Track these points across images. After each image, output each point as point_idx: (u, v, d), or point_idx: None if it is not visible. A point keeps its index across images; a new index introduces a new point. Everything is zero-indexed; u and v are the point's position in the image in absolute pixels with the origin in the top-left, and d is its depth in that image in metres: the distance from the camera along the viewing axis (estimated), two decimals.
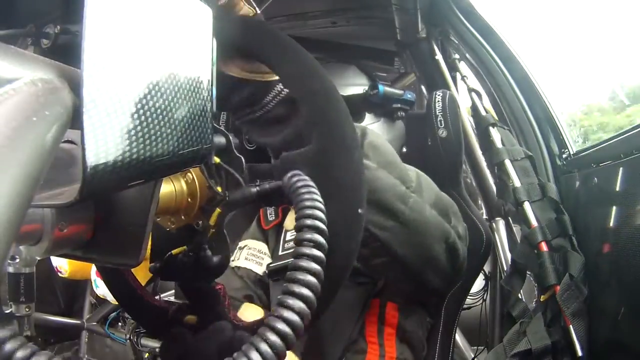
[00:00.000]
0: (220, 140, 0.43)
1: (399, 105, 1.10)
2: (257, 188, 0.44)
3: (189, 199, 0.47)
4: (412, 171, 0.65)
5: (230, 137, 0.43)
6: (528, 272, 0.92)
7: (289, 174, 0.41)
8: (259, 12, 0.50)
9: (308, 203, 0.36)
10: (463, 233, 0.73)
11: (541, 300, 0.83)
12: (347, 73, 1.11)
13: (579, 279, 0.77)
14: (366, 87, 1.08)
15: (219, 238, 0.49)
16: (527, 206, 0.90)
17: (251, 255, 0.95)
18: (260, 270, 0.92)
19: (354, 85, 1.08)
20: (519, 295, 0.90)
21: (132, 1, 0.26)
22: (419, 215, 0.60)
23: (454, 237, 0.68)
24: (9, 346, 0.27)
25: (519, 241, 0.95)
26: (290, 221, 0.92)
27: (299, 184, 0.38)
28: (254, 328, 0.47)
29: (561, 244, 0.83)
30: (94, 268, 1.72)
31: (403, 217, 0.58)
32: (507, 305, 0.87)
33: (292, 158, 0.47)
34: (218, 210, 0.45)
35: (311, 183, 0.39)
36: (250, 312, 0.79)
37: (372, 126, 1.07)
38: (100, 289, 1.77)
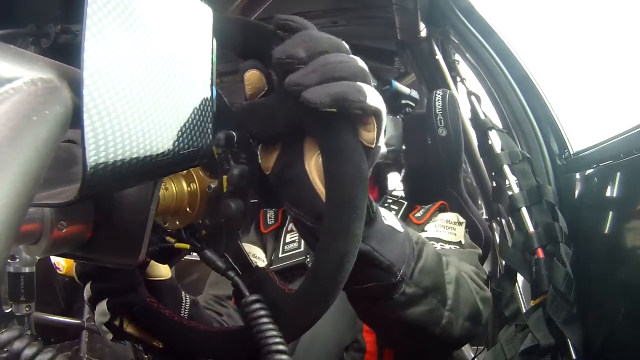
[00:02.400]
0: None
1: (407, 102, 1.11)
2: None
3: (188, 208, 0.47)
4: (451, 283, 0.59)
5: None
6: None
7: (251, 298, 0.43)
8: None
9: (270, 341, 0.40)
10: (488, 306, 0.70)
11: (532, 304, 0.84)
12: None
13: (564, 290, 0.77)
14: (372, 83, 1.08)
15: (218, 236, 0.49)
16: (524, 212, 0.90)
17: None
18: None
19: None
20: (510, 296, 0.90)
21: (132, 1, 0.26)
22: (447, 334, 0.58)
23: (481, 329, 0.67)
24: (17, 344, 0.31)
25: (510, 244, 0.95)
26: None
27: (256, 314, 0.42)
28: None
29: (552, 251, 0.83)
30: None
31: (432, 333, 0.57)
32: (499, 306, 0.87)
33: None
34: (225, 177, 0.46)
35: (265, 315, 0.42)
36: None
37: None
38: None
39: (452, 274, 0.60)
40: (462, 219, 0.90)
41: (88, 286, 0.57)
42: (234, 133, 0.45)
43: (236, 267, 0.48)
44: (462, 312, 0.59)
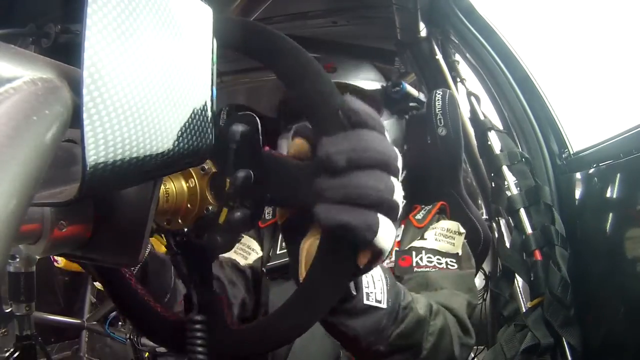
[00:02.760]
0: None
1: (415, 104, 1.12)
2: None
3: (189, 204, 0.47)
4: (433, 335, 0.63)
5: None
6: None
7: (197, 318, 0.47)
8: None
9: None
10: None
11: (529, 305, 0.84)
12: (362, 69, 1.13)
13: (560, 294, 0.77)
14: (380, 83, 1.09)
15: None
16: (522, 213, 0.90)
17: (240, 250, 0.96)
18: (243, 262, 0.94)
19: (369, 80, 1.10)
20: (509, 296, 0.91)
21: (133, 1, 0.26)
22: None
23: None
24: None
25: (507, 245, 0.96)
26: None
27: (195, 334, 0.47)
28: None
29: (548, 253, 0.84)
30: None
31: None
32: (498, 306, 0.87)
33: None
34: (225, 210, 0.45)
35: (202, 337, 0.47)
36: None
37: (387, 122, 1.09)
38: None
39: (438, 324, 0.64)
40: (462, 230, 0.90)
41: None
42: (252, 175, 0.44)
43: (197, 281, 0.50)
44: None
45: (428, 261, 0.84)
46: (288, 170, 0.43)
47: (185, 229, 0.48)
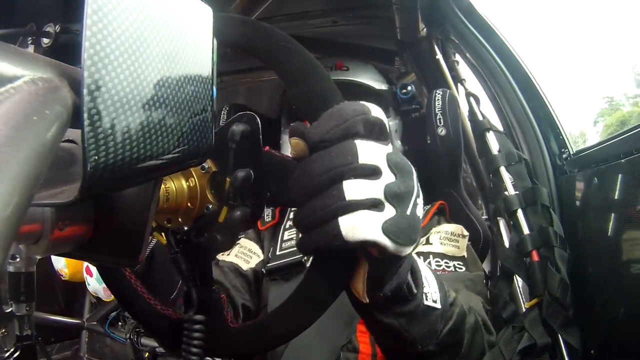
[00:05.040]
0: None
1: (418, 106, 1.13)
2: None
3: (189, 203, 0.47)
4: (468, 332, 0.62)
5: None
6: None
7: (196, 318, 0.48)
8: None
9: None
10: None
11: (526, 306, 0.84)
12: (370, 69, 1.15)
13: (559, 296, 0.77)
14: (386, 84, 1.10)
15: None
16: (519, 213, 0.90)
17: (241, 254, 0.96)
18: (245, 266, 0.93)
19: (377, 81, 1.11)
20: (508, 297, 0.91)
21: (133, 0, 0.26)
22: None
23: None
24: None
25: (506, 245, 0.95)
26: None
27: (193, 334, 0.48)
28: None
29: (546, 254, 0.84)
30: (84, 265, 1.72)
31: None
32: (496, 308, 0.87)
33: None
34: (225, 209, 0.46)
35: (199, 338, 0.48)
36: None
37: (392, 123, 1.10)
38: (91, 286, 1.77)
39: (471, 321, 0.62)
40: (466, 232, 0.90)
41: None
42: (252, 174, 0.45)
43: (197, 280, 0.50)
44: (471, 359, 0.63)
45: (437, 265, 0.85)
46: (287, 170, 0.44)
47: (185, 228, 0.48)
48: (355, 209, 0.37)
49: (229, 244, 0.48)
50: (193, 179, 0.47)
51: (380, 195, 0.37)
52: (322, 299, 0.44)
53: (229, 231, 0.46)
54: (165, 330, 0.54)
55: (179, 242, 0.49)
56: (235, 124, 0.45)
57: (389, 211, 0.37)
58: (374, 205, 0.37)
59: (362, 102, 0.41)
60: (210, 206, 0.46)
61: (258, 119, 0.45)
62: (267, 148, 0.47)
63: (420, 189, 0.41)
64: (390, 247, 0.37)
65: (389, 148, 0.40)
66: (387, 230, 0.37)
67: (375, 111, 0.40)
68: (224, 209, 0.45)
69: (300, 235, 0.42)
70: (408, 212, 0.38)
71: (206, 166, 0.46)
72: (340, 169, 0.37)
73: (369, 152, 0.38)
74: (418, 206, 0.41)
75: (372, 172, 0.38)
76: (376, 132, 0.40)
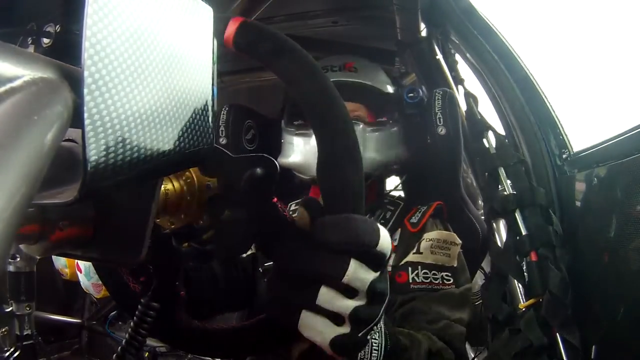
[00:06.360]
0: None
1: (422, 110, 1.12)
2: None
3: (188, 198, 0.47)
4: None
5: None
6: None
7: (152, 305, 0.51)
8: None
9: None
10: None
11: (521, 307, 0.84)
12: (378, 71, 1.13)
13: (560, 294, 0.77)
14: (392, 87, 1.10)
15: (221, 236, 0.49)
16: (517, 214, 0.90)
17: None
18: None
19: (382, 84, 1.10)
20: (503, 299, 0.91)
21: (133, 0, 0.26)
22: None
23: None
24: None
25: (501, 246, 0.95)
26: None
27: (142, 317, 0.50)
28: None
29: (545, 254, 0.83)
30: (77, 261, 1.72)
31: None
32: (491, 309, 0.87)
33: None
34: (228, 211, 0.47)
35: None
36: None
37: (396, 128, 1.09)
38: (82, 282, 1.78)
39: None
40: (458, 240, 0.89)
41: None
42: (260, 174, 0.46)
43: (164, 271, 0.52)
44: None
45: (424, 277, 0.85)
46: (284, 231, 0.47)
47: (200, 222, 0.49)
48: (319, 313, 0.42)
49: (240, 245, 0.51)
50: (189, 173, 0.47)
51: (345, 313, 0.41)
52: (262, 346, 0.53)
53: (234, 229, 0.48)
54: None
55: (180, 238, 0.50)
56: (259, 169, 0.46)
57: (345, 329, 0.42)
58: (335, 318, 0.42)
59: (378, 225, 0.43)
60: (211, 184, 0.47)
61: (278, 166, 0.47)
62: (275, 199, 0.50)
63: (383, 315, 0.48)
64: (332, 354, 0.42)
65: (376, 274, 0.43)
66: (334, 342, 0.41)
67: (383, 243, 0.42)
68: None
69: (271, 297, 0.46)
70: (359, 335, 0.42)
71: (211, 186, 0.48)
72: (326, 277, 0.42)
73: (356, 276, 0.41)
74: (373, 331, 0.49)
75: (349, 291, 0.41)
76: (374, 262, 0.42)
